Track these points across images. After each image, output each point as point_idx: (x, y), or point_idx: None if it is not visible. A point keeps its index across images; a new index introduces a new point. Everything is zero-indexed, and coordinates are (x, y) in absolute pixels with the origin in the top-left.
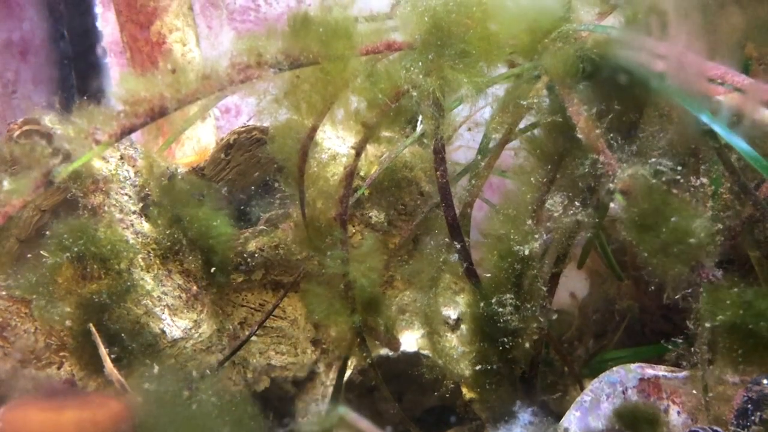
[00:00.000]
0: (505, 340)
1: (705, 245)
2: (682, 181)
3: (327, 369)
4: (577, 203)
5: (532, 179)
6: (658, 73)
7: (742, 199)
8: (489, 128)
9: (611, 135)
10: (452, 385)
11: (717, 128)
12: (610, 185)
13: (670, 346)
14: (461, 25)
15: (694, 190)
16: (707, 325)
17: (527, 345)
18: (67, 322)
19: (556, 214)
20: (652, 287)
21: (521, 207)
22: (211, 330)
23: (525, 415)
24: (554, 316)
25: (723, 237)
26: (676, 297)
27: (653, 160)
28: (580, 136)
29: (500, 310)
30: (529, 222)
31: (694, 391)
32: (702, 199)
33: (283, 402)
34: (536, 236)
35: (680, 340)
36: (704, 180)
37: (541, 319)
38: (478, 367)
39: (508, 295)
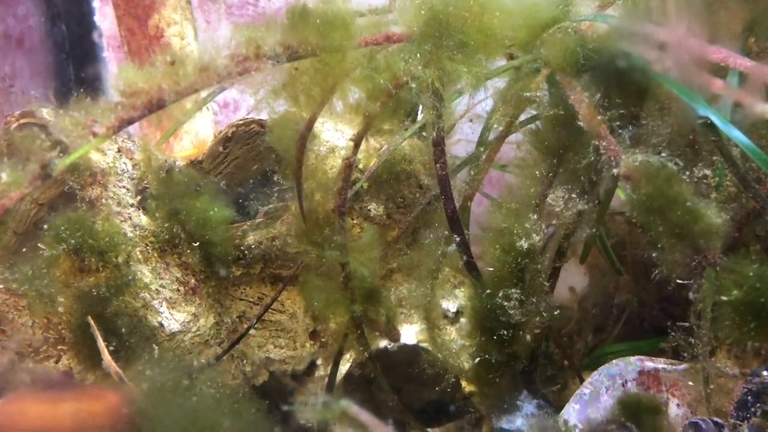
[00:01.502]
0: (506, 334)
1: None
2: (687, 173)
3: (326, 362)
4: (578, 196)
5: (536, 173)
6: (659, 63)
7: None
8: (489, 121)
9: (617, 126)
10: (453, 379)
11: (717, 121)
12: (614, 171)
13: (671, 333)
14: (459, 18)
15: (697, 181)
16: (709, 310)
17: (528, 339)
18: (60, 309)
19: (557, 209)
20: (654, 276)
21: (524, 201)
22: (210, 323)
23: (526, 408)
24: (557, 312)
25: (728, 228)
26: (679, 283)
27: (663, 154)
28: (582, 124)
29: (503, 303)
30: (533, 216)
31: (691, 383)
32: (706, 190)
33: (282, 395)
34: (539, 230)
35: (686, 324)
36: (707, 172)
37: (545, 314)
38: (478, 361)
39: (510, 290)
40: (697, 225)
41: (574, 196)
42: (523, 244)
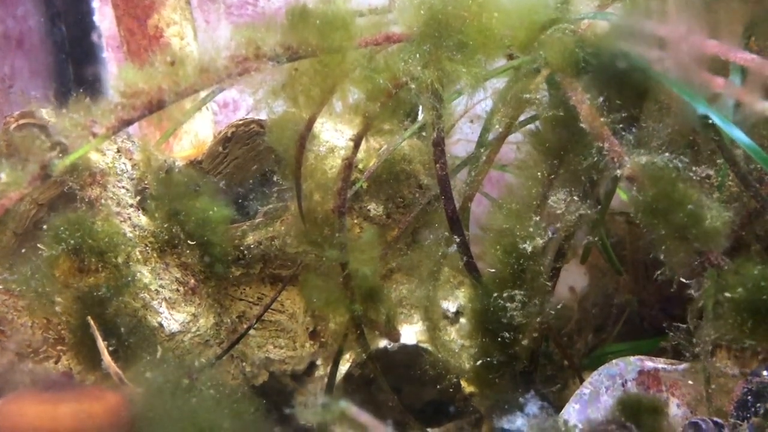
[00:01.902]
0: (507, 335)
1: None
2: (690, 174)
3: (326, 363)
4: (580, 199)
5: (537, 174)
6: (659, 62)
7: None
8: (489, 121)
9: (619, 128)
10: (454, 379)
11: (717, 120)
12: (617, 172)
13: (670, 333)
14: (458, 18)
15: (700, 181)
16: (711, 309)
17: (528, 340)
18: (59, 309)
19: (559, 212)
20: (657, 277)
21: (525, 202)
22: (209, 323)
23: (529, 408)
24: (559, 306)
25: (731, 227)
26: (683, 283)
27: (667, 155)
28: (583, 125)
29: (505, 305)
30: (536, 218)
31: (691, 382)
32: (708, 190)
33: (282, 396)
34: (542, 234)
35: (683, 325)
36: (710, 172)
37: (552, 312)
38: (479, 362)
39: (512, 291)
40: (701, 226)
41: (575, 198)
42: (527, 247)
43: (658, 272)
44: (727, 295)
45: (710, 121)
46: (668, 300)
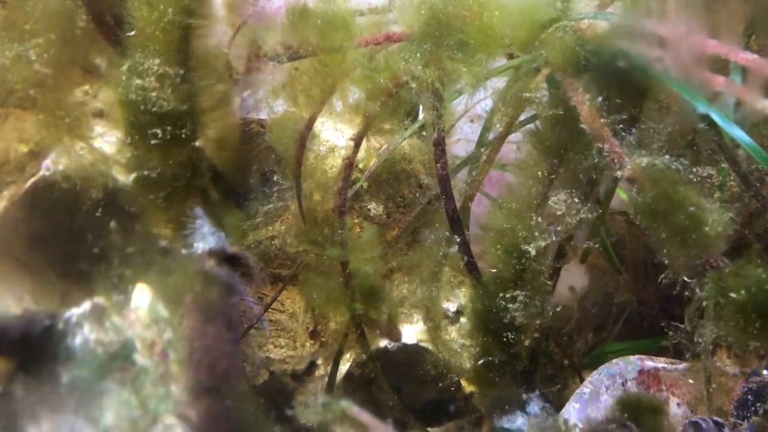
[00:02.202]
0: (508, 335)
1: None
2: (690, 174)
3: (326, 362)
4: (580, 200)
5: (538, 173)
6: (659, 61)
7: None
8: (489, 121)
9: (619, 129)
10: (455, 379)
11: (717, 119)
12: (618, 173)
13: (669, 333)
14: (458, 17)
15: (700, 181)
16: (712, 309)
17: (529, 339)
18: None
19: (559, 213)
20: (660, 280)
21: (525, 201)
22: None
23: (531, 407)
24: (558, 308)
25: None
26: (683, 283)
27: (668, 157)
28: (584, 126)
29: (506, 305)
30: (537, 218)
31: (691, 381)
32: (709, 190)
33: (282, 395)
34: (546, 236)
35: (682, 325)
36: (711, 171)
37: (551, 312)
38: (480, 362)
39: (514, 291)
40: (701, 230)
41: (576, 200)
42: (531, 250)
43: (662, 276)
44: (732, 295)
45: (711, 121)
46: (668, 300)
